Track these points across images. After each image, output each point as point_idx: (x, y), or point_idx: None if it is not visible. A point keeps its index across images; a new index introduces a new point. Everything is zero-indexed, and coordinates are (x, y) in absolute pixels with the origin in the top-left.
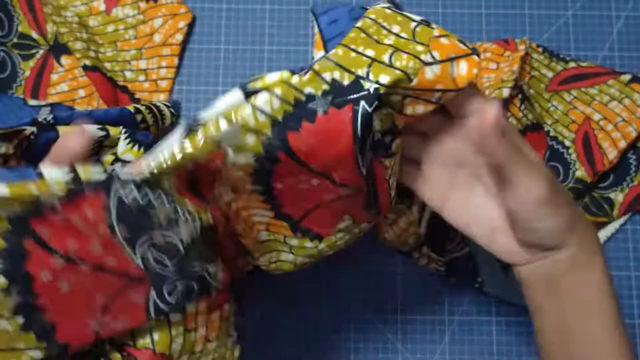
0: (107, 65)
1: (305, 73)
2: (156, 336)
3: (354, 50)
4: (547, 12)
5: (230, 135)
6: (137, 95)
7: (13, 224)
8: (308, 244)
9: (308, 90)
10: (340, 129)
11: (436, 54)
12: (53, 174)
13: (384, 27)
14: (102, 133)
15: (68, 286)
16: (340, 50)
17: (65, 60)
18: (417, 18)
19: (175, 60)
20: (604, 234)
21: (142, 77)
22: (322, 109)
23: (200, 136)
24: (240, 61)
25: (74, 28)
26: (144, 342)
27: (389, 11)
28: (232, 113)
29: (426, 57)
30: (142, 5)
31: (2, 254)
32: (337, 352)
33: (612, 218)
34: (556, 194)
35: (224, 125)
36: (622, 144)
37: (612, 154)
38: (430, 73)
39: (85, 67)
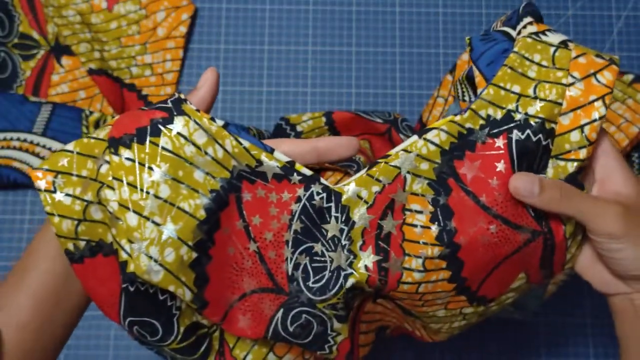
0: (113, 63)
1: (465, 112)
2: (250, 356)
3: (503, 88)
4: (547, 12)
5: (408, 162)
6: (145, 92)
7: (232, 177)
8: (481, 309)
9: (468, 125)
10: (498, 155)
11: (576, 74)
12: (279, 155)
13: (527, 59)
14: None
15: (232, 252)
16: (491, 90)
17: (65, 61)
18: (556, 41)
19: (180, 53)
20: None
21: (148, 72)
22: (481, 140)
23: (386, 163)
24: (240, 61)
25: (77, 29)
26: (239, 354)
27: (529, 40)
28: (409, 146)
29: (567, 80)
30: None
31: (213, 193)
32: None
33: None
34: (636, 224)
35: (402, 154)
36: (626, 144)
37: None
38: (575, 91)
39: (90, 71)
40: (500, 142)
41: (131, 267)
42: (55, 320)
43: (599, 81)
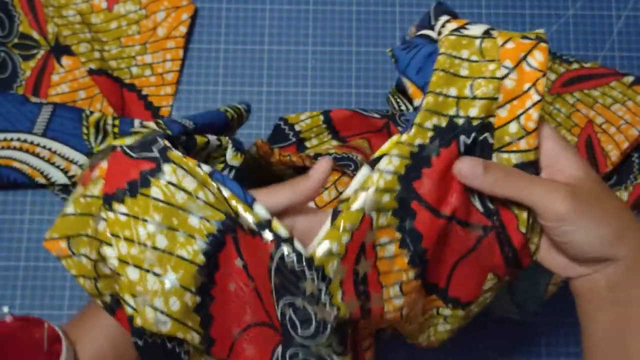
0: (113, 63)
1: (410, 129)
2: None
3: (440, 94)
4: (547, 12)
5: (369, 200)
6: (145, 92)
7: (226, 218)
8: (460, 312)
9: (418, 141)
10: (452, 164)
11: (508, 63)
12: (258, 208)
13: (456, 57)
14: (218, 143)
15: (234, 287)
16: (430, 98)
17: (65, 61)
18: (479, 32)
19: (180, 53)
20: None
21: (148, 72)
22: (435, 153)
23: (347, 208)
24: (240, 61)
25: (77, 29)
26: None
27: (452, 37)
28: (364, 183)
29: (501, 72)
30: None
31: (210, 237)
32: None
33: None
34: (586, 204)
35: (361, 194)
36: (626, 146)
37: (615, 156)
38: (509, 82)
39: (90, 71)
40: (452, 149)
41: (138, 322)
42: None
43: (530, 65)
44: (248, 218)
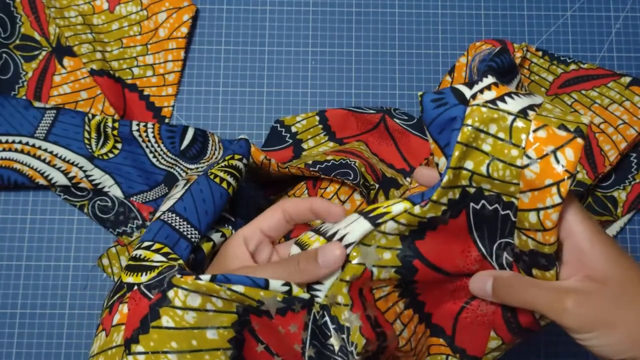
0: (115, 64)
1: (425, 204)
2: None
3: (459, 168)
4: (546, 13)
5: (369, 256)
6: (146, 92)
7: (240, 316)
8: None
9: (430, 215)
10: (458, 230)
11: (532, 154)
12: (274, 285)
13: (482, 131)
14: (222, 240)
15: None
16: (451, 175)
17: (67, 62)
18: (515, 109)
19: (182, 54)
20: (609, 232)
21: (149, 73)
22: (443, 222)
23: (349, 262)
24: (240, 61)
25: (79, 30)
26: None
27: (484, 110)
28: (366, 239)
29: (522, 161)
30: (145, 0)
31: (232, 342)
32: None
33: (616, 216)
34: (601, 311)
35: (362, 249)
36: (623, 146)
37: (613, 156)
38: (529, 173)
39: (92, 72)
40: (460, 219)
41: None
42: None
43: (558, 161)
44: (274, 300)
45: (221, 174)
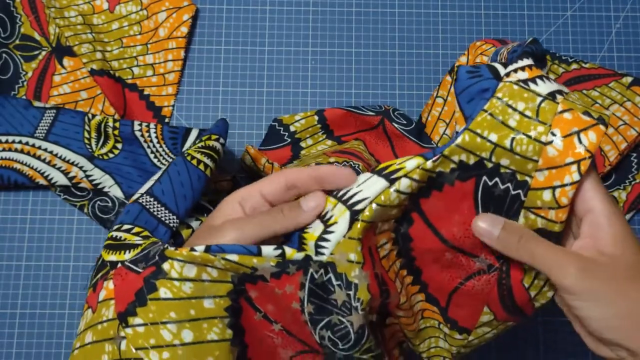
0: (115, 64)
1: (437, 159)
2: None
3: (480, 135)
4: (546, 13)
5: (380, 213)
6: (146, 92)
7: (235, 285)
8: (457, 336)
9: (439, 169)
10: (463, 197)
11: (557, 132)
12: (267, 251)
13: (510, 106)
14: (199, 222)
15: (263, 338)
16: (467, 137)
17: (67, 62)
18: (545, 92)
19: (182, 53)
20: None
21: (150, 72)
22: (450, 182)
23: (362, 219)
24: (240, 61)
25: (79, 30)
26: None
27: (516, 87)
28: (380, 197)
29: (546, 138)
30: (145, 0)
31: (228, 310)
32: None
33: None
34: (601, 282)
35: (376, 208)
36: (624, 146)
37: (613, 156)
38: (552, 150)
39: (92, 72)
40: (468, 185)
41: None
42: None
43: (581, 142)
44: (267, 265)
45: (198, 156)
